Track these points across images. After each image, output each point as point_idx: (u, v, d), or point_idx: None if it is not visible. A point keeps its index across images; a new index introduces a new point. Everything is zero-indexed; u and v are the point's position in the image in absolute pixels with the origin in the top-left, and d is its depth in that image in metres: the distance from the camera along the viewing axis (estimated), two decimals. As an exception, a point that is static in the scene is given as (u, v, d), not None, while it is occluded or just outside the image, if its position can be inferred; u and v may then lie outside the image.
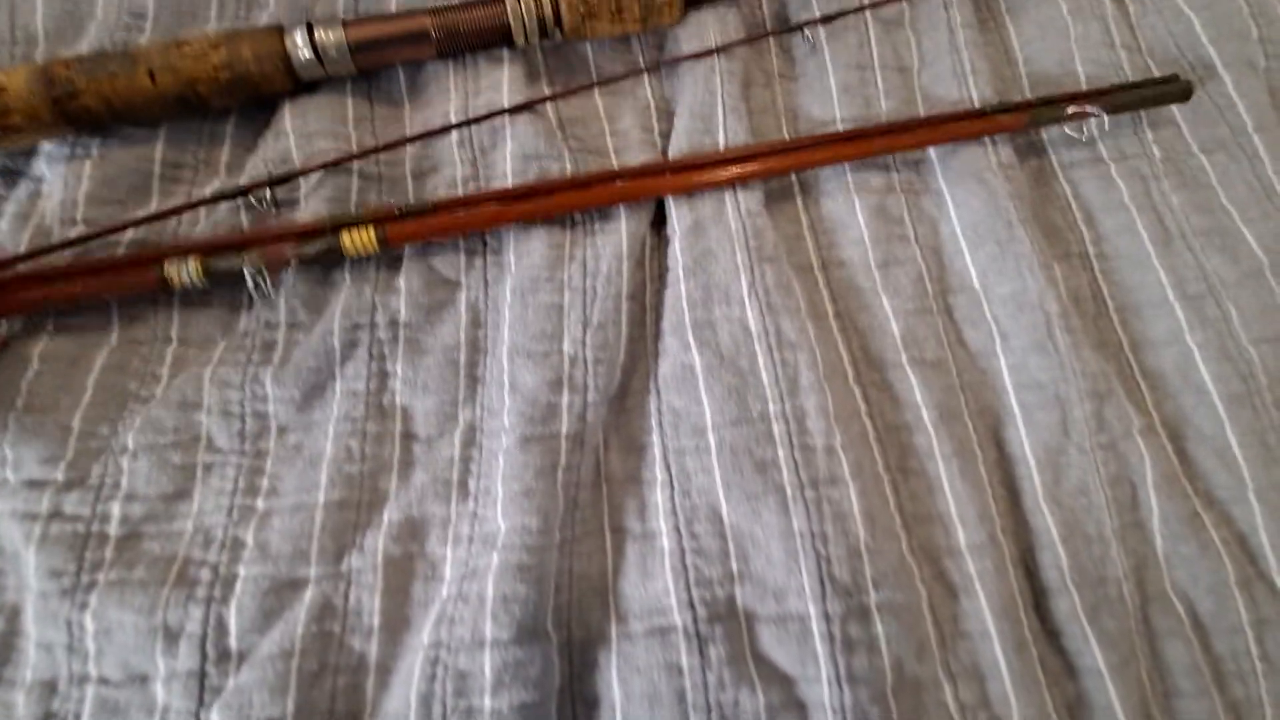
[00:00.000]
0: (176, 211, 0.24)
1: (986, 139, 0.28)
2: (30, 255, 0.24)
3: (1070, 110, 0.28)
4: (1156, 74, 0.31)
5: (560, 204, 0.25)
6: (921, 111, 0.30)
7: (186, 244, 0.24)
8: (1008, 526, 0.25)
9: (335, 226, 0.23)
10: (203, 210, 0.26)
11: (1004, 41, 0.32)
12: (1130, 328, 0.28)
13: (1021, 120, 0.28)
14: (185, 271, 0.23)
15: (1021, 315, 0.26)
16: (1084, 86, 0.30)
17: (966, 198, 0.28)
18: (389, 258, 0.26)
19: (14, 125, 0.24)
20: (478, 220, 0.25)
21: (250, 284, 0.23)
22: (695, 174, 0.25)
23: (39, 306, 0.24)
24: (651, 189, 0.26)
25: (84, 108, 0.24)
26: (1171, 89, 0.29)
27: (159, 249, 0.23)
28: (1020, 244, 0.27)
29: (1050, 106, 0.28)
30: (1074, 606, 0.23)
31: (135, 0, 0.28)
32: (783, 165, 0.26)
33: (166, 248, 0.24)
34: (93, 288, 0.23)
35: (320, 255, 0.23)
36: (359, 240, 0.23)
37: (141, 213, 0.25)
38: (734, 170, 0.26)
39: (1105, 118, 0.28)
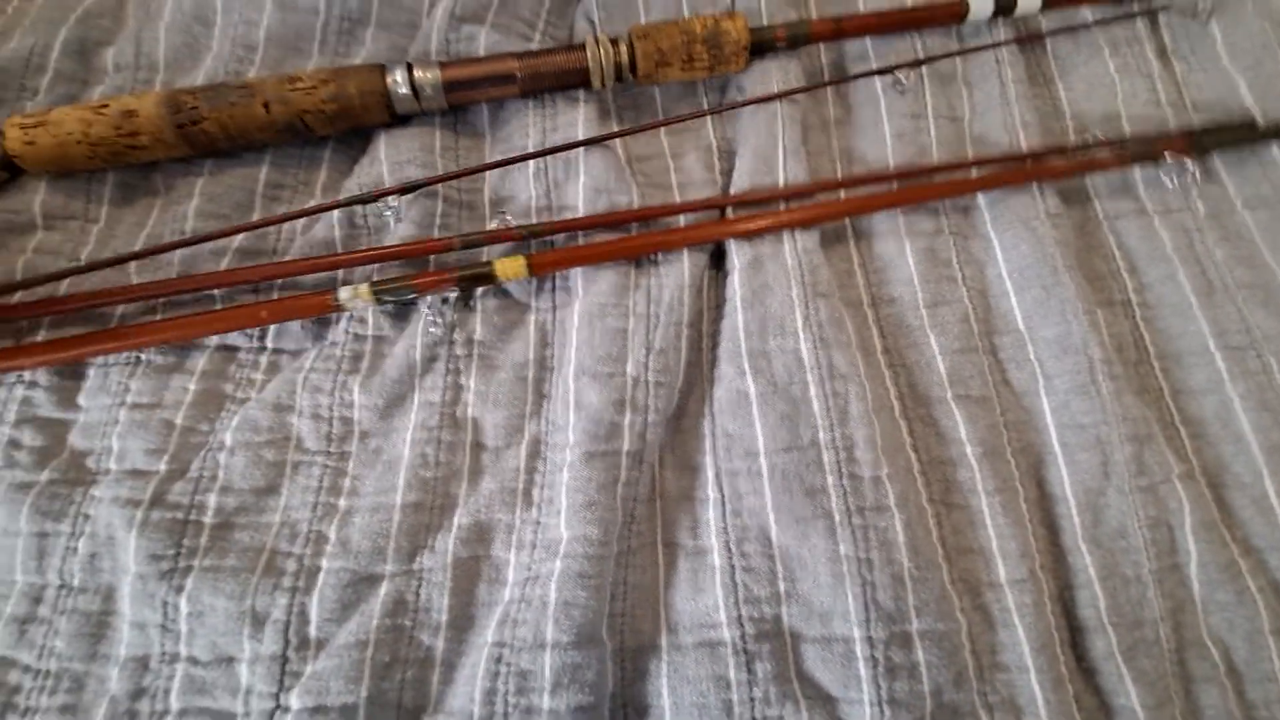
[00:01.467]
0: (288, 218, 0.26)
1: (1035, 187, 0.30)
2: (137, 255, 0.26)
3: (1165, 151, 0.29)
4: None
5: (656, 242, 0.27)
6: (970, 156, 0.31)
7: (351, 258, 0.26)
8: (1047, 564, 0.25)
9: (479, 243, 0.26)
10: (299, 224, 0.28)
11: (1053, 96, 0.33)
12: (1171, 375, 0.29)
13: (1123, 158, 0.29)
14: (357, 300, 0.25)
15: (1065, 358, 0.27)
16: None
17: (1014, 243, 0.29)
18: (466, 279, 0.28)
19: (141, 145, 0.27)
20: (603, 252, 0.27)
21: (425, 311, 0.26)
22: (756, 219, 0.27)
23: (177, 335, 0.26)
24: (717, 233, 0.27)
25: (203, 132, 0.27)
26: (1270, 128, 0.30)
27: (333, 268, 0.26)
28: (1065, 289, 0.28)
29: (1145, 148, 0.29)
30: (1110, 646, 0.24)
31: (247, 35, 0.31)
32: (841, 209, 0.28)
33: (341, 258, 0.26)
34: (279, 313, 0.26)
35: (472, 281, 0.26)
36: (509, 268, 0.25)
37: (239, 239, 0.28)
38: (794, 212, 0.27)
39: (1191, 166, 0.30)
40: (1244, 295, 0.29)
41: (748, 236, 0.28)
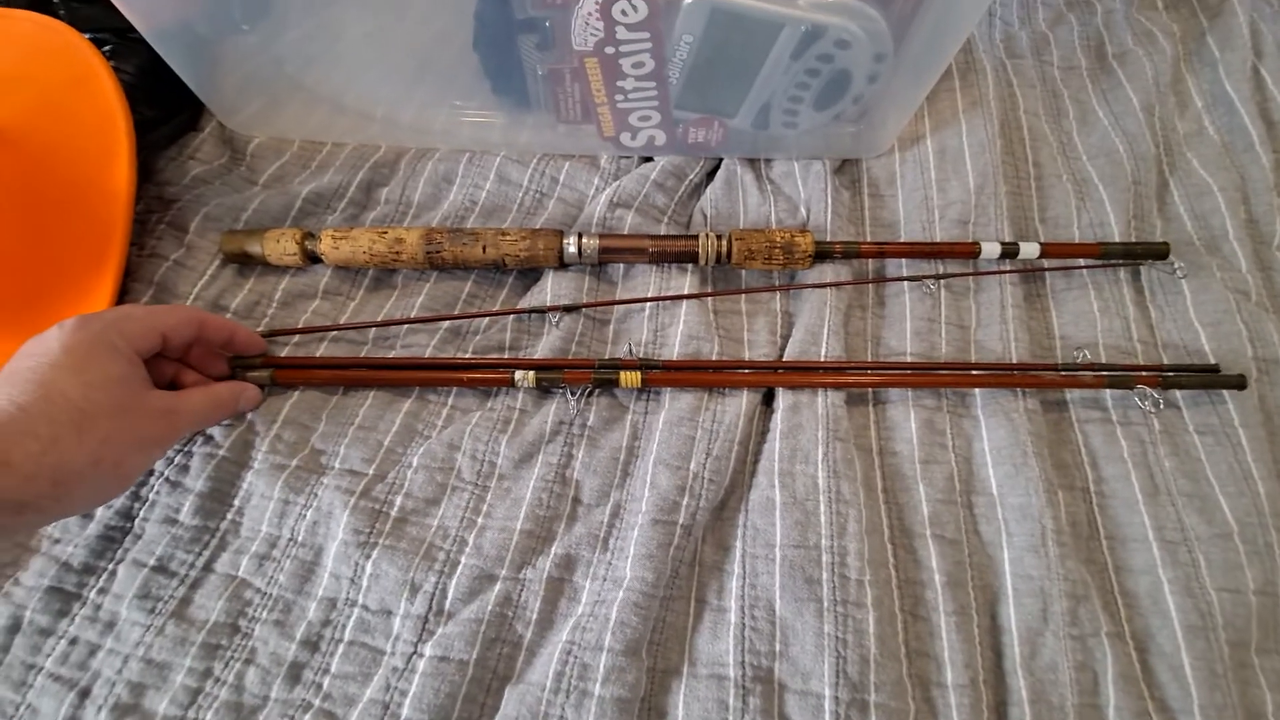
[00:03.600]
0: (482, 315, 0.40)
1: (1020, 391, 0.39)
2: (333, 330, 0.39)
3: (1139, 384, 0.38)
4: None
5: (727, 380, 0.38)
6: (973, 358, 0.41)
7: (527, 362, 0.39)
8: (989, 679, 0.32)
9: (615, 367, 0.38)
10: (484, 322, 0.41)
11: (1046, 320, 0.43)
12: (1116, 554, 0.36)
13: (1100, 381, 0.38)
14: (526, 380, 0.37)
15: (1025, 522, 0.35)
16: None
17: (996, 427, 0.38)
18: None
19: (400, 259, 0.41)
20: (691, 380, 0.38)
21: (566, 394, 0.38)
22: (800, 376, 0.38)
23: (432, 383, 0.39)
24: (771, 382, 0.38)
25: (440, 257, 0.41)
26: (1229, 378, 0.38)
27: (513, 361, 0.39)
28: (1030, 470, 0.36)
29: (1122, 376, 0.38)
30: (1031, 755, 0.30)
31: (473, 194, 0.46)
32: (864, 382, 0.38)
33: (517, 360, 0.39)
34: (474, 380, 0.38)
35: (604, 381, 0.37)
36: (630, 378, 0.37)
37: (444, 326, 0.41)
38: (829, 377, 0.38)
39: (1157, 396, 0.38)
40: (1183, 501, 0.36)
41: (792, 387, 0.38)
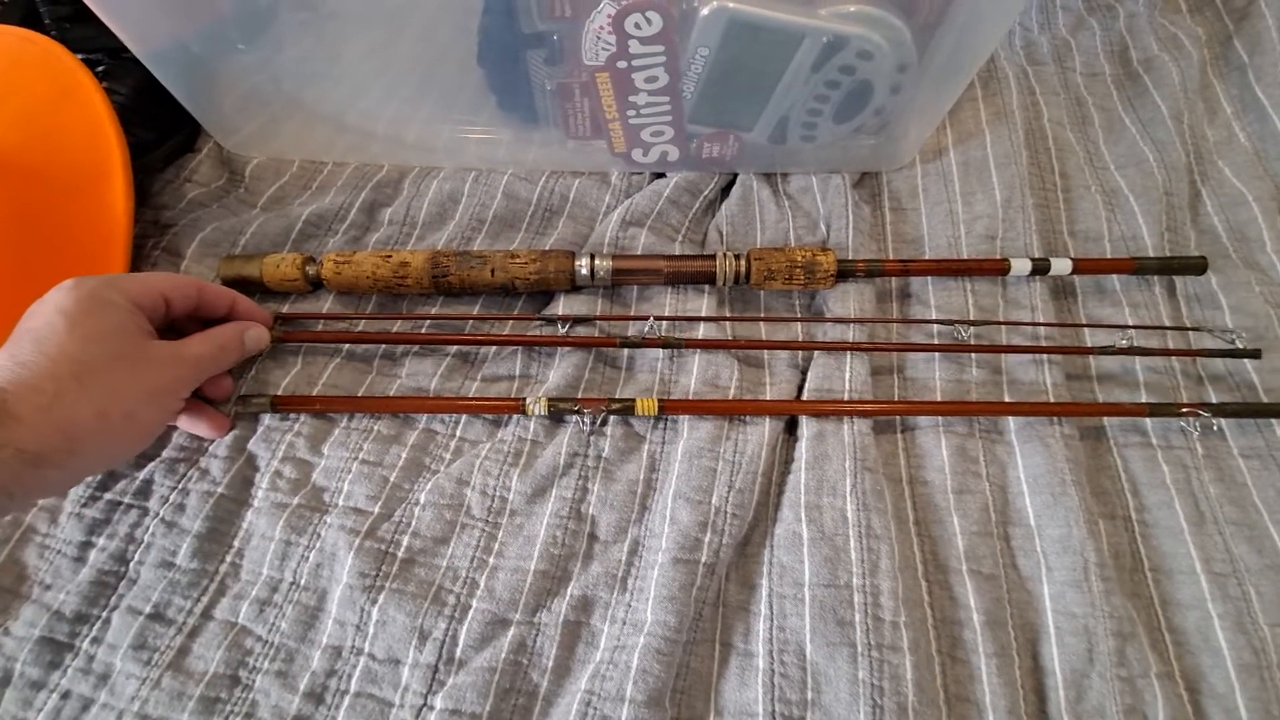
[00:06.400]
0: (496, 318, 0.39)
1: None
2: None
3: (1184, 409, 0.36)
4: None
5: (747, 407, 0.37)
6: (1005, 387, 0.39)
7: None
8: (1033, 726, 0.31)
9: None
10: (493, 349, 0.40)
11: (1078, 340, 0.41)
12: (1161, 587, 0.34)
13: (1143, 409, 0.36)
14: (538, 406, 0.36)
15: (1065, 555, 0.33)
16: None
17: (1031, 453, 0.36)
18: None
19: (405, 284, 0.40)
20: (711, 408, 0.36)
21: (582, 422, 0.36)
22: (823, 404, 0.36)
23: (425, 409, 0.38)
24: (792, 409, 0.37)
25: (447, 281, 0.39)
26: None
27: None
28: (1070, 499, 0.34)
29: (1167, 405, 0.36)
30: (1081, 808, 0.28)
31: (480, 213, 0.45)
32: (891, 409, 0.37)
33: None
34: (482, 407, 0.37)
35: (620, 410, 0.36)
36: (646, 406, 0.36)
37: (454, 348, 0.39)
38: (855, 404, 0.36)
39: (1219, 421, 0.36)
40: (1231, 530, 0.35)
41: (815, 415, 0.36)
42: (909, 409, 0.37)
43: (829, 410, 0.36)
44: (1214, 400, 0.38)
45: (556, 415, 0.36)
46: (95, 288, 0.31)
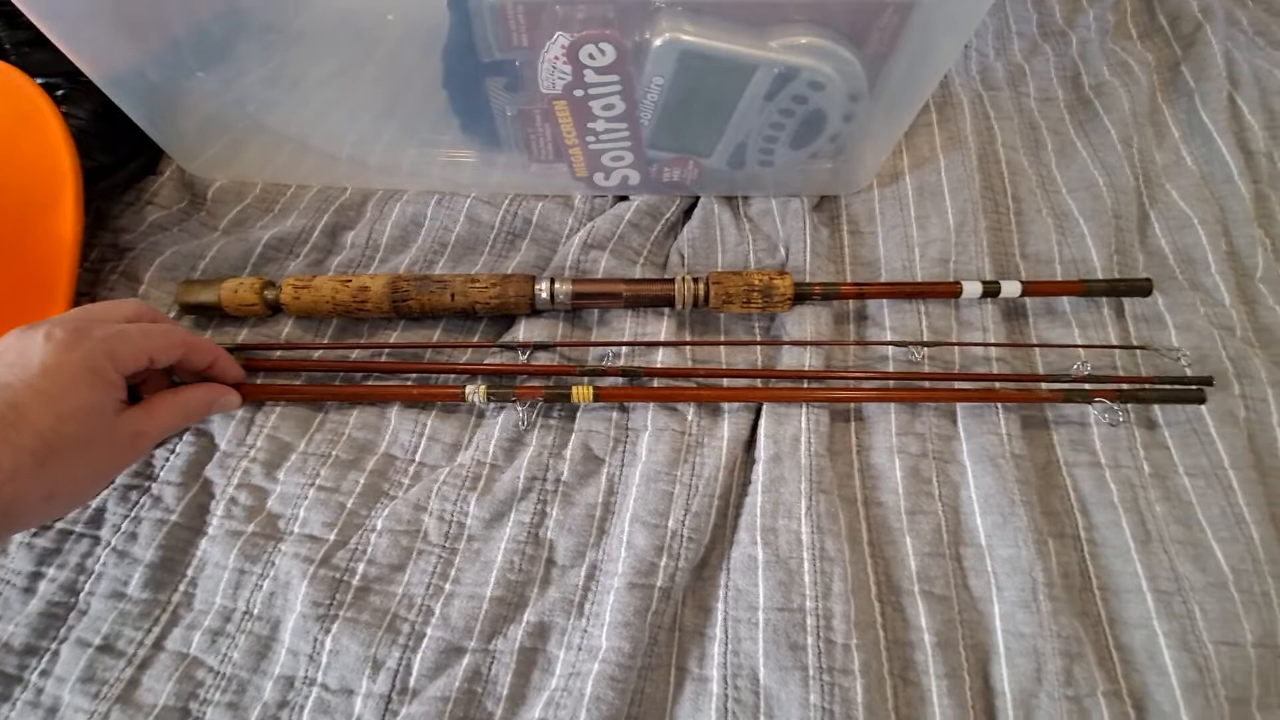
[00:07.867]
0: (455, 345, 0.40)
1: (1004, 428, 0.38)
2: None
3: (1096, 397, 0.37)
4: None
5: (701, 395, 0.38)
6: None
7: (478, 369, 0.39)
8: (983, 747, 0.31)
9: (567, 383, 0.37)
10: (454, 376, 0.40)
11: (1030, 363, 0.42)
12: (1109, 605, 0.35)
13: (1058, 396, 0.37)
14: (476, 394, 0.37)
15: (1015, 575, 0.34)
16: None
17: (982, 474, 0.37)
18: (562, 435, 0.38)
19: (365, 308, 0.40)
20: (646, 395, 0.38)
21: (518, 409, 0.37)
22: (781, 393, 0.38)
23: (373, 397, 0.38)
24: (755, 395, 0.38)
25: (408, 306, 0.40)
26: (1189, 392, 0.38)
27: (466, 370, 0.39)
28: (1019, 519, 0.35)
29: (1082, 391, 0.38)
30: (1028, 828, 0.29)
31: (443, 236, 0.45)
32: (846, 396, 0.38)
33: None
34: (424, 394, 0.38)
35: (556, 397, 0.37)
36: (581, 393, 0.36)
37: (413, 377, 0.40)
38: (813, 391, 0.38)
39: (1123, 409, 0.37)
40: (1176, 549, 0.35)
41: (776, 425, 0.37)
42: (860, 395, 0.38)
43: (780, 395, 0.37)
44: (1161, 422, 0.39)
45: (495, 401, 0.37)
46: (88, 354, 0.29)
